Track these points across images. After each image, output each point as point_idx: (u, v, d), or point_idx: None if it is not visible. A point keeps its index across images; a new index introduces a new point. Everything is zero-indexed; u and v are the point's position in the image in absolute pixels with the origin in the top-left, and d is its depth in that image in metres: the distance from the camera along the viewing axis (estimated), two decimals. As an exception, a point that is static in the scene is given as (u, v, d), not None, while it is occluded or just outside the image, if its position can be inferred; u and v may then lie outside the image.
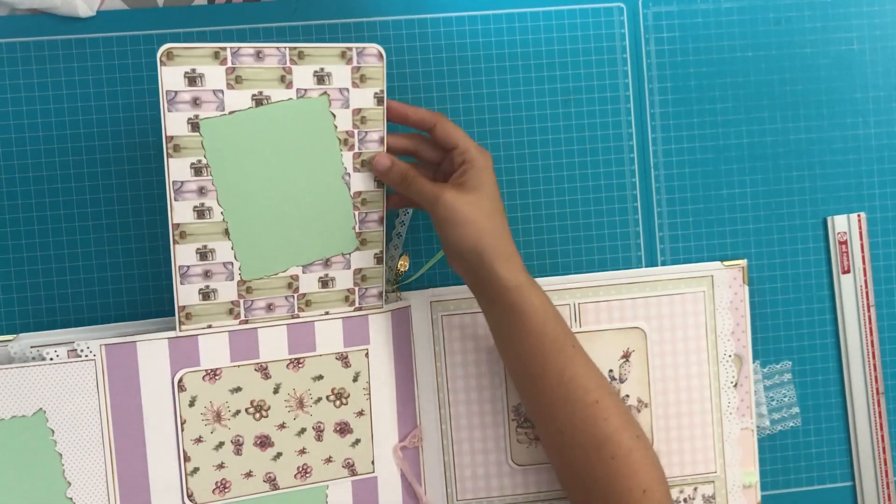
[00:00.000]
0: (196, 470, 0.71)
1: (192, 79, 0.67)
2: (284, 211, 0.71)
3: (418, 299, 0.79)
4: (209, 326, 0.71)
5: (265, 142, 0.70)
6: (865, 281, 0.83)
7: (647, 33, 0.82)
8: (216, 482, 0.71)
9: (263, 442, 0.72)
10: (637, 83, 0.82)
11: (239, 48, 0.68)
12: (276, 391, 0.72)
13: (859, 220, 0.83)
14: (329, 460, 0.74)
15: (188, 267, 0.69)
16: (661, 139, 0.82)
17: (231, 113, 0.68)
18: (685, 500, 0.81)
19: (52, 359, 0.69)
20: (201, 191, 0.69)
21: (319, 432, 0.74)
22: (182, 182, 0.68)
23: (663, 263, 0.82)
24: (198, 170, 0.68)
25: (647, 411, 0.80)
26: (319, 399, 0.73)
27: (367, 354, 0.75)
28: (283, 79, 0.69)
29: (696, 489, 0.81)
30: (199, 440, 0.71)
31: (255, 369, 0.72)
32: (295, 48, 0.69)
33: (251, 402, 0.72)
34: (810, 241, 0.84)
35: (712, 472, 0.81)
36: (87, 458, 0.69)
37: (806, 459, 0.84)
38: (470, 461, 0.79)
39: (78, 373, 0.69)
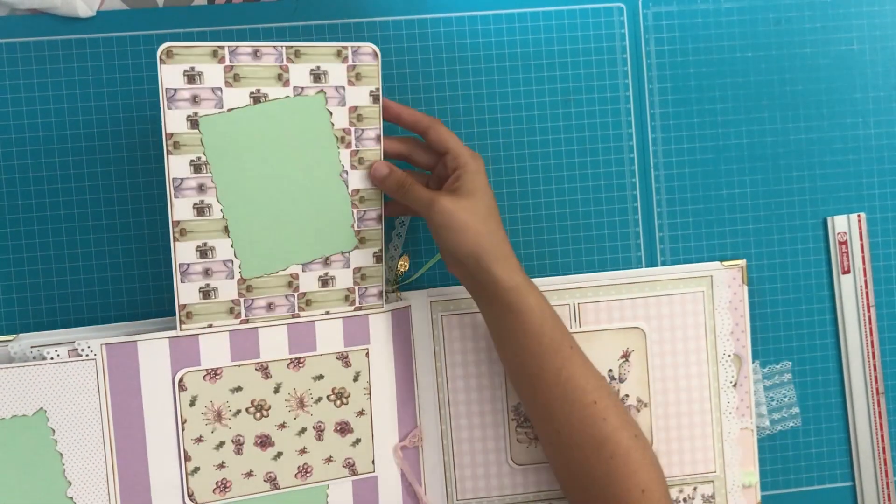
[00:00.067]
0: (196, 469, 0.71)
1: (191, 77, 0.68)
2: (283, 208, 0.71)
3: (418, 299, 0.79)
4: (210, 326, 0.71)
5: (263, 139, 0.70)
6: (865, 281, 0.83)
7: (647, 33, 0.82)
8: (217, 482, 0.71)
9: (264, 441, 0.72)
10: (637, 83, 0.82)
11: (237, 47, 0.68)
12: (276, 391, 0.72)
13: (859, 221, 0.83)
14: (329, 460, 0.74)
15: (188, 265, 0.69)
16: (661, 139, 0.82)
17: (229, 110, 0.69)
18: (685, 499, 0.81)
19: (52, 358, 0.69)
20: (201, 188, 0.69)
21: (320, 432, 0.74)
22: (182, 179, 0.68)
23: (663, 263, 0.82)
24: (197, 167, 0.69)
25: (646, 411, 0.80)
26: (320, 399, 0.73)
27: (367, 354, 0.75)
28: (280, 77, 0.70)
29: (695, 489, 0.81)
30: (199, 440, 0.71)
31: (256, 369, 0.72)
32: (291, 47, 0.70)
33: (252, 402, 0.72)
34: (810, 241, 0.84)
35: (712, 472, 0.81)
36: (88, 457, 0.69)
37: (806, 459, 0.84)
38: (470, 461, 0.79)
39: (78, 372, 0.69)
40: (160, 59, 0.67)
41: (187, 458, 0.71)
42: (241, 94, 0.69)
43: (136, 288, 0.77)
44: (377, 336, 0.75)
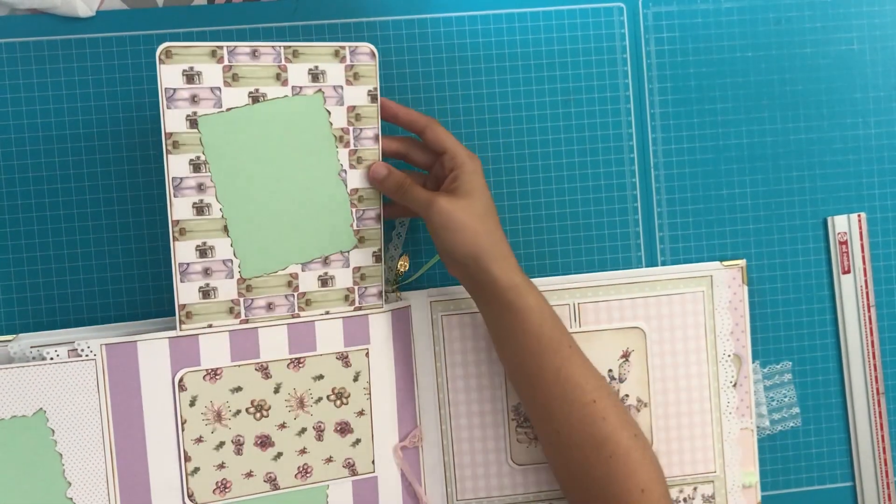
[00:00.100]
0: (196, 470, 0.71)
1: (190, 76, 0.68)
2: (282, 208, 0.71)
3: (418, 299, 0.79)
4: (209, 326, 0.71)
5: (262, 138, 0.70)
6: (865, 281, 0.83)
7: (647, 33, 0.82)
8: (217, 482, 0.71)
9: (264, 442, 0.72)
10: (637, 83, 0.82)
11: (235, 47, 0.69)
12: (276, 391, 0.72)
13: (859, 220, 0.83)
14: (329, 460, 0.74)
15: (188, 264, 0.69)
16: (661, 139, 0.82)
17: (228, 110, 0.69)
18: (685, 499, 0.81)
19: (52, 358, 0.69)
20: (200, 187, 0.69)
21: (320, 432, 0.74)
22: (181, 178, 0.69)
23: (663, 263, 0.82)
24: (196, 166, 0.69)
25: (646, 411, 0.80)
26: (320, 399, 0.73)
27: (367, 354, 0.75)
28: (278, 76, 0.70)
29: (695, 489, 0.81)
30: (199, 440, 0.71)
31: (256, 369, 0.72)
32: (289, 47, 0.70)
33: (252, 402, 0.72)
34: (810, 241, 0.84)
35: (712, 472, 0.81)
36: (88, 458, 0.69)
37: (806, 459, 0.84)
38: (470, 461, 0.79)
39: (78, 372, 0.69)
40: (159, 60, 0.67)
41: (187, 459, 0.71)
42: (239, 93, 0.69)
43: (135, 288, 0.78)
44: (377, 336, 0.75)
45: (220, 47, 0.68)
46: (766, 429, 0.83)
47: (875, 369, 0.83)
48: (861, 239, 0.83)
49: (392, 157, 0.75)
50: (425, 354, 0.79)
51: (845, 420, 0.84)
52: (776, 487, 0.84)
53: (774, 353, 0.84)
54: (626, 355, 0.80)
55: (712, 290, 0.80)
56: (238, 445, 0.72)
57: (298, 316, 0.73)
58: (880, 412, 0.83)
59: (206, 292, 0.70)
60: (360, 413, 0.74)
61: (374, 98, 0.73)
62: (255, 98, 0.70)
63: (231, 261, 0.70)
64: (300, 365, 0.73)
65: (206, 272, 0.70)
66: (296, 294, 0.72)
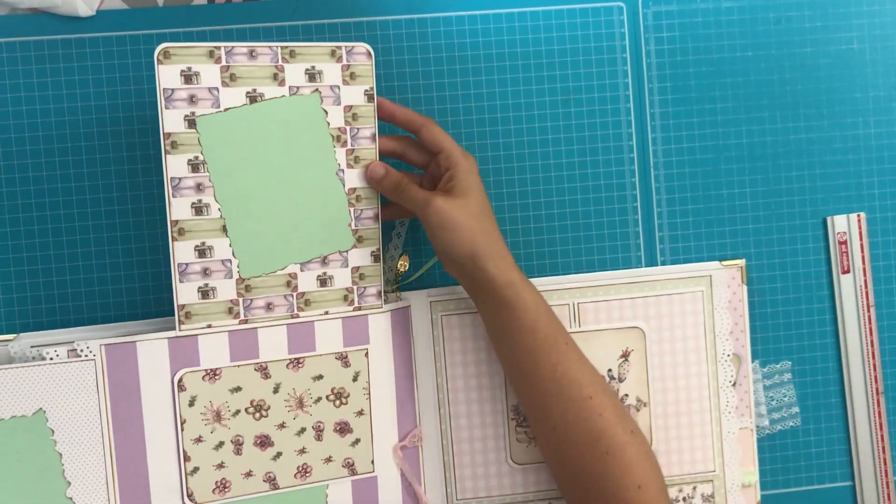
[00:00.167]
0: (196, 470, 0.71)
1: (188, 77, 0.68)
2: (281, 208, 0.71)
3: (418, 299, 0.79)
4: (209, 326, 0.71)
5: (260, 138, 0.70)
6: (865, 281, 0.83)
7: (647, 33, 0.82)
8: (216, 482, 0.71)
9: (263, 442, 0.72)
10: (637, 83, 0.82)
11: (233, 47, 0.69)
12: (275, 391, 0.72)
13: (859, 220, 0.83)
14: (329, 460, 0.74)
15: (187, 264, 0.69)
16: (661, 139, 0.82)
17: (226, 110, 0.69)
18: (684, 499, 0.81)
19: (51, 359, 0.69)
20: (199, 187, 0.69)
21: (319, 432, 0.74)
22: (180, 178, 0.69)
23: (663, 263, 0.82)
24: (195, 166, 0.69)
25: (646, 410, 0.80)
26: (319, 399, 0.73)
27: (366, 354, 0.75)
28: (275, 76, 0.70)
29: (695, 488, 0.81)
30: (198, 440, 0.71)
31: (255, 369, 0.72)
32: (286, 47, 0.70)
33: (251, 402, 0.72)
34: (810, 241, 0.83)
35: (711, 472, 0.81)
36: (87, 457, 0.69)
37: (806, 459, 0.84)
38: (470, 461, 0.79)
39: (78, 373, 0.69)
40: (157, 60, 0.67)
41: (187, 459, 0.71)
42: (237, 93, 0.69)
43: (135, 288, 0.78)
44: (377, 336, 0.75)
45: (218, 48, 0.68)
46: (765, 428, 0.83)
47: (875, 369, 0.83)
48: (861, 239, 0.83)
49: (389, 156, 0.75)
50: (425, 354, 0.79)
51: (845, 420, 0.84)
52: (776, 487, 0.84)
53: (774, 352, 0.84)
54: (625, 355, 0.80)
55: (711, 289, 0.80)
56: (237, 445, 0.72)
57: (298, 316, 0.73)
58: (880, 412, 0.83)
59: (205, 292, 0.70)
60: (360, 413, 0.74)
61: (370, 98, 0.73)
62: (253, 98, 0.70)
63: (230, 261, 0.70)
64: (299, 365, 0.73)
65: (205, 272, 0.70)
66: (295, 294, 0.72)
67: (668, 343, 0.80)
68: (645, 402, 0.80)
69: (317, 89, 0.71)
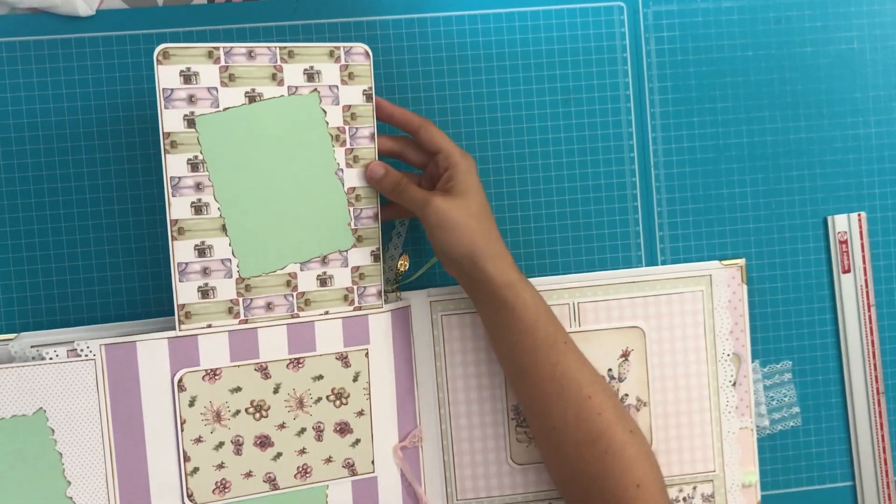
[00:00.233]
0: (196, 470, 0.71)
1: (188, 77, 0.68)
2: (280, 207, 0.71)
3: (418, 299, 0.79)
4: (209, 326, 0.71)
5: (259, 137, 0.70)
6: (866, 280, 0.83)
7: (647, 33, 0.82)
8: (216, 482, 0.71)
9: (263, 442, 0.72)
10: (637, 83, 0.82)
11: (231, 48, 0.69)
12: (276, 391, 0.72)
13: (859, 220, 0.83)
14: (329, 460, 0.74)
15: (187, 264, 0.69)
16: (661, 139, 0.82)
17: (225, 110, 0.69)
18: (684, 499, 0.81)
19: (51, 358, 0.69)
20: (198, 186, 0.69)
21: (319, 432, 0.74)
22: (179, 178, 0.69)
23: (663, 263, 0.82)
24: (194, 165, 0.69)
25: (646, 410, 0.80)
26: (319, 399, 0.73)
27: (367, 354, 0.75)
28: (274, 76, 0.70)
29: (695, 488, 0.81)
30: (198, 440, 0.71)
31: (255, 369, 0.72)
32: (285, 47, 0.70)
33: (251, 402, 0.72)
34: (810, 240, 0.83)
35: (711, 471, 0.81)
36: (87, 457, 0.69)
37: (806, 459, 0.84)
38: (470, 461, 0.79)
39: (78, 372, 0.69)
40: (157, 60, 0.67)
41: (186, 459, 0.71)
42: (236, 93, 0.70)
43: (135, 288, 0.78)
44: (377, 336, 0.75)
45: (217, 48, 0.69)
46: (765, 428, 0.83)
47: (875, 369, 0.83)
48: (861, 238, 0.83)
49: (387, 156, 0.75)
50: (425, 354, 0.79)
51: (845, 420, 0.84)
52: (776, 487, 0.84)
53: (774, 352, 0.84)
54: (625, 355, 0.80)
55: (711, 289, 0.80)
56: (237, 445, 0.72)
57: (298, 316, 0.73)
58: (880, 412, 0.83)
59: (204, 292, 0.70)
60: (360, 413, 0.74)
61: (369, 97, 0.73)
62: (252, 98, 0.70)
63: (230, 260, 0.70)
64: (300, 365, 0.73)
65: (205, 272, 0.70)
66: (295, 294, 0.72)
67: (668, 343, 0.80)
68: (645, 401, 0.80)
69: (315, 89, 0.72)
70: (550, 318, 0.72)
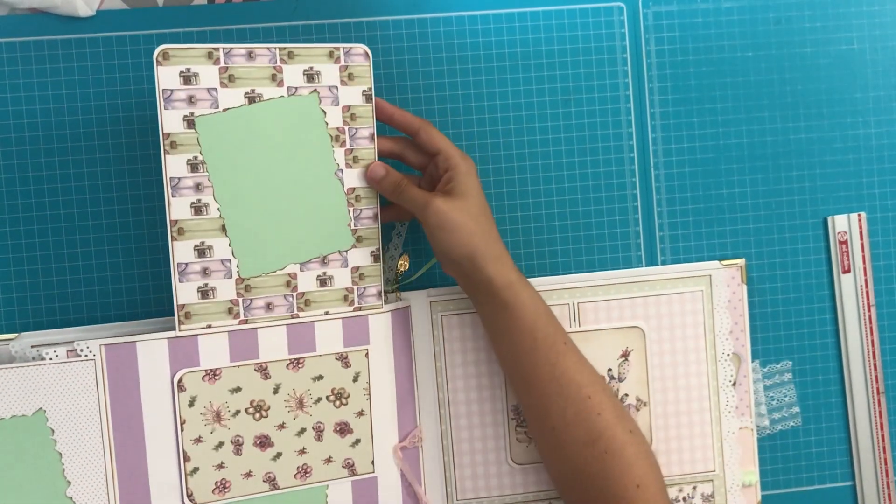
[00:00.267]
0: (196, 470, 0.71)
1: (187, 78, 0.68)
2: (280, 207, 0.71)
3: (418, 299, 0.79)
4: (209, 326, 0.71)
5: (259, 138, 0.70)
6: (866, 280, 0.83)
7: (647, 33, 0.82)
8: (216, 482, 0.72)
9: (263, 442, 0.72)
10: (637, 83, 0.82)
11: (231, 49, 0.69)
12: (275, 391, 0.72)
13: (859, 220, 0.83)
14: (329, 460, 0.74)
15: (186, 264, 0.69)
16: (661, 139, 0.82)
17: (225, 110, 0.69)
18: (684, 498, 0.81)
19: (51, 358, 0.69)
20: (198, 187, 0.69)
21: (319, 432, 0.74)
22: (179, 178, 0.69)
23: (663, 263, 0.82)
24: (194, 166, 0.69)
25: (645, 410, 0.80)
26: (319, 399, 0.73)
27: (367, 354, 0.75)
28: (274, 77, 0.70)
29: (695, 488, 0.81)
30: (198, 440, 0.71)
31: (255, 369, 0.72)
32: (285, 48, 0.70)
33: (251, 402, 0.72)
34: (810, 240, 0.83)
35: (711, 471, 0.81)
36: (87, 457, 0.69)
37: (806, 459, 0.84)
38: (470, 461, 0.79)
39: (78, 372, 0.69)
40: (157, 61, 0.67)
41: (186, 459, 0.71)
42: (236, 94, 0.70)
43: (135, 288, 0.78)
44: (377, 336, 0.75)
45: (217, 49, 0.69)
46: (766, 428, 0.83)
47: (875, 369, 0.83)
48: (861, 238, 0.83)
49: (387, 156, 0.75)
50: (425, 354, 0.79)
51: (845, 420, 0.84)
52: (776, 487, 0.84)
53: (774, 352, 0.84)
54: (625, 355, 0.80)
55: (711, 289, 0.80)
56: (237, 446, 0.72)
57: (297, 316, 0.73)
58: (880, 412, 0.83)
59: (204, 292, 0.70)
60: (360, 413, 0.74)
61: (368, 98, 0.73)
62: (252, 98, 0.70)
63: (229, 260, 0.70)
64: (299, 365, 0.73)
65: (205, 272, 0.70)
66: (294, 294, 0.72)
67: (668, 343, 0.80)
68: (645, 401, 0.80)
69: (315, 90, 0.72)
70: (550, 318, 0.72)
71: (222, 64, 0.69)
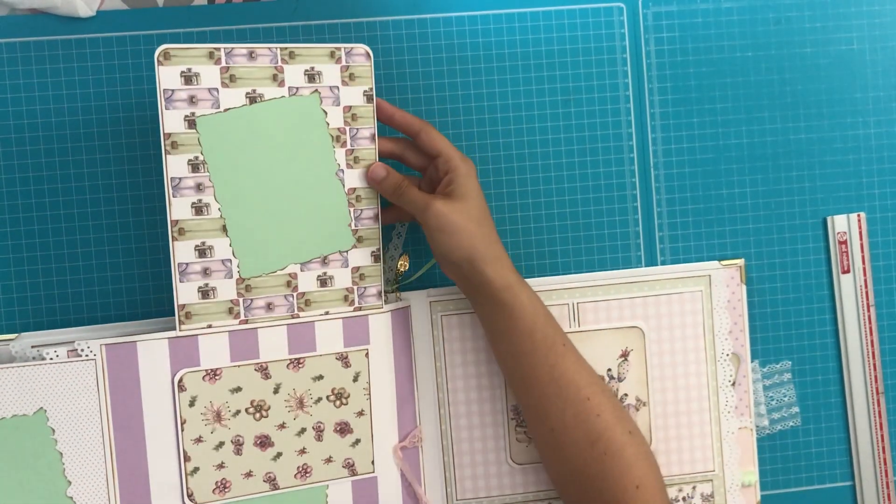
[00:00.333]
0: (196, 470, 0.71)
1: (188, 78, 0.68)
2: (281, 208, 0.71)
3: (418, 299, 0.79)
4: (209, 326, 0.71)
5: (259, 138, 0.70)
6: (865, 281, 0.83)
7: (647, 33, 0.82)
8: (216, 482, 0.72)
9: (263, 442, 0.72)
10: (637, 83, 0.82)
11: (232, 48, 0.69)
12: (276, 391, 0.72)
13: (859, 220, 0.83)
14: (329, 460, 0.74)
15: (187, 264, 0.69)
16: (661, 139, 0.82)
17: (226, 110, 0.69)
18: (684, 498, 0.81)
19: (52, 358, 0.69)
20: (199, 187, 0.69)
21: (319, 432, 0.74)
22: (180, 178, 0.69)
23: (663, 263, 0.82)
24: (195, 166, 0.69)
25: (645, 410, 0.80)
26: (319, 399, 0.73)
27: (367, 354, 0.75)
28: (275, 77, 0.70)
29: (694, 488, 0.81)
30: (199, 440, 0.71)
31: (255, 369, 0.72)
32: (286, 48, 0.70)
33: (251, 402, 0.72)
34: (810, 241, 0.84)
35: (710, 471, 0.81)
36: (88, 457, 0.69)
37: (806, 459, 0.84)
38: (470, 461, 0.79)
39: (78, 372, 0.69)
40: (158, 61, 0.67)
41: (187, 459, 0.71)
42: (237, 94, 0.70)
43: (135, 288, 0.78)
44: (377, 336, 0.75)
45: (218, 49, 0.69)
46: (765, 428, 0.83)
47: (875, 369, 0.83)
48: (861, 239, 0.83)
49: (387, 157, 0.75)
50: (425, 354, 0.79)
51: (845, 420, 0.84)
52: (776, 487, 0.84)
53: (774, 352, 0.84)
54: (624, 355, 0.80)
55: (710, 289, 0.80)
56: (237, 445, 0.72)
57: (298, 316, 0.73)
58: (880, 412, 0.83)
59: (205, 292, 0.70)
60: (360, 413, 0.74)
61: (369, 98, 0.73)
62: (253, 98, 0.70)
63: (230, 260, 0.70)
64: (300, 365, 0.73)
65: (206, 272, 0.70)
66: (295, 294, 0.72)
67: (668, 343, 0.80)
68: (644, 401, 0.80)
69: (316, 90, 0.72)
70: (549, 319, 0.72)
71: (223, 64, 0.69)
